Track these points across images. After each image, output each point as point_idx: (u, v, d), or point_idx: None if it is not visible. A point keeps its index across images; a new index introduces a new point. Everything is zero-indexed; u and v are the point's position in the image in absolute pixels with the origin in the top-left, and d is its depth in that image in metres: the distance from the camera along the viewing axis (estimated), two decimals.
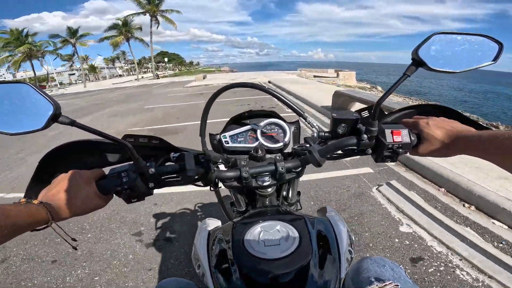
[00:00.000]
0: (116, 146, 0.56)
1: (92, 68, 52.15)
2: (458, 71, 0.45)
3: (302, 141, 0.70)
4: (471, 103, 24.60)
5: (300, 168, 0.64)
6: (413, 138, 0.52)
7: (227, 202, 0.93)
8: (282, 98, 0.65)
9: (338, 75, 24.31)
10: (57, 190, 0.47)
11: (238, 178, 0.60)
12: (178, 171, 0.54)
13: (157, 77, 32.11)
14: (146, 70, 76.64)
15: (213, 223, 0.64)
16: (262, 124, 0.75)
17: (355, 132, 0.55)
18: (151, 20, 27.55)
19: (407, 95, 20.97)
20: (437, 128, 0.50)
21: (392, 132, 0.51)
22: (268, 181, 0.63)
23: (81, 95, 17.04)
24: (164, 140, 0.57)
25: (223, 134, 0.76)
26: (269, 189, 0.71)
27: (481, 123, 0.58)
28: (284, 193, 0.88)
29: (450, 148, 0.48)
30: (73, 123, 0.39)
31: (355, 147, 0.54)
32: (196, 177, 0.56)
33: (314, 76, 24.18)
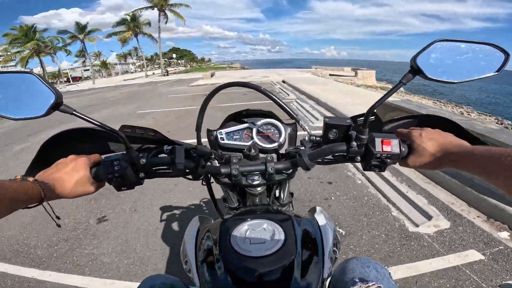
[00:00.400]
0: (113, 136, 0.55)
1: (104, 64, 52.17)
2: (456, 81, 0.44)
3: (298, 143, 0.68)
4: (494, 105, 22.39)
5: (291, 170, 0.63)
6: (403, 149, 0.52)
7: (220, 198, 0.91)
8: (276, 99, 0.62)
9: (356, 74, 22.63)
10: (52, 172, 0.51)
11: (228, 175, 0.61)
12: (168, 164, 0.56)
13: (167, 73, 31.16)
14: (158, 66, 76.64)
15: (204, 220, 0.67)
16: (258, 123, 0.75)
17: (346, 138, 0.54)
18: (159, 15, 26.63)
19: (427, 95, 19.16)
20: (429, 140, 0.49)
21: (382, 142, 0.51)
22: (257, 180, 0.63)
23: (85, 93, 16.30)
24: (159, 132, 0.59)
25: (219, 131, 0.76)
26: (259, 188, 0.73)
27: (481, 139, 0.57)
28: (276, 193, 0.88)
29: (440, 161, 0.48)
30: (72, 112, 0.43)
31: (345, 154, 0.54)
32: (186, 170, 0.57)
33: (330, 75, 22.64)
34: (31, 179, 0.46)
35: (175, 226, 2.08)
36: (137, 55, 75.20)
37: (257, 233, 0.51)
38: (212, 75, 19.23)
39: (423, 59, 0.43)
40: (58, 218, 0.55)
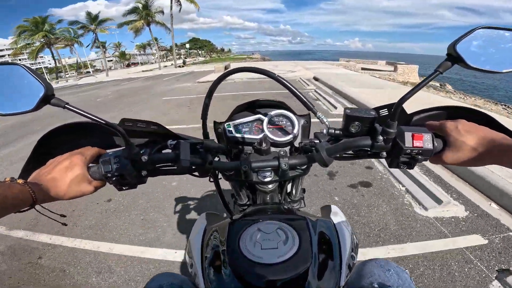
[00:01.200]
0: (112, 131, 0.52)
1: (122, 55, 51.57)
2: (502, 71, 0.40)
3: (312, 136, 0.62)
4: None
5: (305, 166, 0.59)
6: (436, 144, 0.47)
7: (228, 194, 0.86)
8: (291, 87, 0.57)
9: (395, 68, 19.02)
10: (46, 171, 0.47)
11: (237, 172, 0.57)
12: (172, 160, 0.52)
13: (184, 64, 29.15)
14: (178, 56, 75.81)
15: (211, 218, 0.63)
16: (269, 115, 0.68)
17: (370, 132, 0.49)
18: (171, 1, 24.32)
19: (460, 91, 15.51)
20: (467, 133, 0.44)
21: (412, 136, 0.46)
22: (269, 177, 0.58)
23: (83, 88, 14.54)
24: (163, 125, 0.55)
25: (227, 123, 0.69)
26: (270, 185, 0.67)
27: None
28: (288, 189, 0.81)
29: (481, 156, 0.43)
30: (64, 106, 0.40)
31: (368, 149, 0.49)
32: (192, 167, 0.54)
33: (362, 69, 19.27)
34: (20, 181, 0.42)
35: None
36: (156, 45, 75.15)
37: (269, 236, 0.46)
38: (226, 68, 16.30)
39: (463, 46, 0.39)
40: (63, 216, 0.53)
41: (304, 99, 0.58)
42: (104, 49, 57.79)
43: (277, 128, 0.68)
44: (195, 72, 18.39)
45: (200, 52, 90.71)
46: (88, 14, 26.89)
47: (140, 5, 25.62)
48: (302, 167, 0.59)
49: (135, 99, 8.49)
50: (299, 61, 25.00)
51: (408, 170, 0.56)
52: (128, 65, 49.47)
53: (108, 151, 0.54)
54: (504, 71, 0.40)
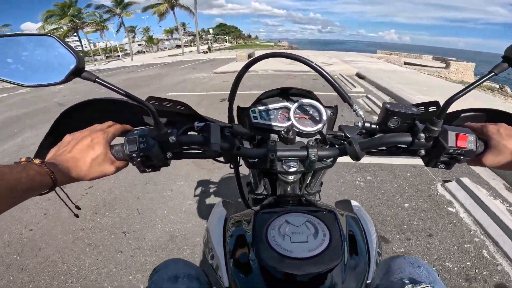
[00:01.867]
0: (139, 109, 0.50)
1: (150, 39, 51.70)
2: None
3: (336, 129, 0.65)
4: None
5: (333, 158, 0.57)
6: (478, 146, 0.46)
7: (244, 182, 0.86)
8: (329, 77, 0.55)
9: (448, 65, 16.20)
10: (65, 149, 0.43)
11: (262, 159, 0.55)
12: (201, 143, 0.50)
13: (209, 50, 27.95)
14: (206, 42, 75.01)
15: (229, 205, 0.61)
16: (297, 103, 0.65)
17: (411, 128, 0.47)
18: None
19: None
20: (510, 137, 0.44)
21: (457, 136, 0.45)
22: (295, 167, 0.56)
23: (102, 73, 13.81)
24: (189, 106, 0.54)
25: (252, 109, 0.67)
26: (293, 176, 0.64)
27: None
28: (307, 181, 0.78)
29: None
30: (95, 79, 0.38)
31: (405, 146, 0.48)
32: (220, 151, 0.51)
33: (406, 64, 16.70)
34: (37, 161, 0.39)
35: None
36: (184, 29, 74.81)
37: (298, 229, 0.44)
38: (250, 56, 14.59)
39: None
40: (78, 208, 0.50)
41: (341, 89, 0.55)
42: (134, 34, 58.70)
43: (304, 118, 0.66)
44: (216, 59, 17.00)
45: (226, 38, 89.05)
46: None
47: None
48: (330, 159, 0.57)
49: (138, 92, 7.34)
50: (331, 51, 22.49)
51: (445, 169, 0.50)
52: (157, 50, 49.63)
53: (134, 128, 0.52)
54: None
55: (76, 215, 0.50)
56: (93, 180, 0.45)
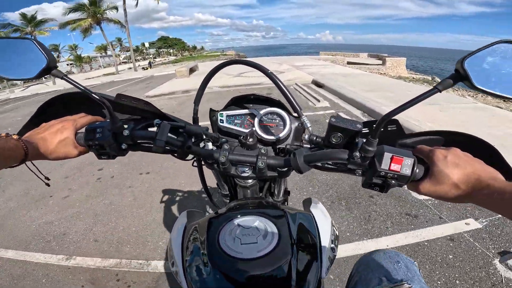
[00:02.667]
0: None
1: (79, 59, 45.64)
2: (510, 96, 0.35)
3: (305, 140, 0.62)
4: None
5: (286, 169, 0.56)
6: (417, 171, 0.43)
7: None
8: (281, 85, 0.57)
9: (384, 62, 17.11)
10: (39, 131, 0.51)
11: (216, 161, 0.56)
12: (151, 138, 0.53)
13: (149, 66, 25.21)
14: (146, 56, 70.04)
15: (192, 216, 0.62)
16: (262, 111, 0.67)
17: (350, 146, 0.47)
18: None
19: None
20: (455, 166, 0.40)
21: (391, 158, 0.43)
22: (247, 172, 0.57)
23: None
24: (152, 105, 0.57)
25: (220, 112, 0.70)
26: (249, 181, 0.68)
27: None
28: (271, 189, 0.83)
29: (461, 195, 0.39)
30: (63, 77, 0.45)
31: (346, 163, 0.47)
32: (167, 147, 0.55)
33: (348, 63, 17.17)
34: (15, 136, 0.45)
35: None
36: (121, 45, 68.80)
37: (248, 231, 0.47)
38: (192, 71, 12.82)
39: (474, 62, 0.35)
40: (47, 179, 0.57)
41: (293, 100, 0.57)
42: (58, 53, 51.37)
43: (269, 126, 0.67)
44: (154, 77, 14.99)
45: (171, 51, 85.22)
46: (23, 15, 22.20)
47: (87, 1, 21.30)
48: (282, 169, 0.57)
49: None
50: (277, 56, 22.30)
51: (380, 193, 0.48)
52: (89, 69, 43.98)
53: (95, 122, 0.56)
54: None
55: (47, 184, 0.58)
56: (58, 159, 0.52)
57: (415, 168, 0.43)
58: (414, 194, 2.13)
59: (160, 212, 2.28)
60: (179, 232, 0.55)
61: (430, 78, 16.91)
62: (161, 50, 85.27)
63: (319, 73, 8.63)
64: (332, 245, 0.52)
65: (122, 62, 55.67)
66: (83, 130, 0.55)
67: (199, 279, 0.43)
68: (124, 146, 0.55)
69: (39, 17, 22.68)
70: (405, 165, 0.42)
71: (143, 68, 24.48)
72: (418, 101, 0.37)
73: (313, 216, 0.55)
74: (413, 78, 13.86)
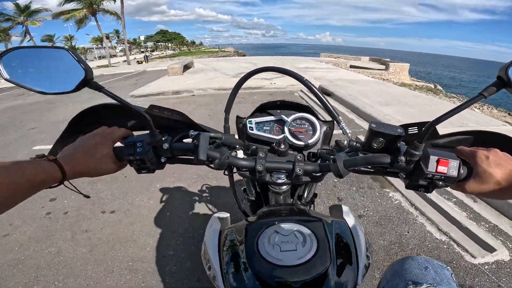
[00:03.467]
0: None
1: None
2: None
3: (333, 143, 0.62)
4: None
5: (320, 174, 0.57)
6: (462, 172, 0.45)
7: (240, 187, 0.90)
8: (316, 91, 0.58)
9: (387, 67, 16.56)
10: (74, 148, 0.48)
11: (252, 170, 0.56)
12: (191, 151, 0.53)
13: (145, 60, 24.19)
14: (145, 49, 68.44)
15: (223, 219, 0.63)
16: (292, 117, 0.68)
17: (393, 150, 0.47)
18: None
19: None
20: (498, 166, 0.42)
21: (438, 161, 0.44)
22: (283, 179, 0.57)
23: None
24: (186, 115, 0.57)
25: (249, 120, 0.70)
26: (284, 187, 0.70)
27: None
28: (299, 192, 0.83)
29: (505, 191, 0.42)
30: (101, 89, 0.43)
31: (387, 166, 0.47)
32: (209, 160, 0.54)
33: (351, 66, 16.55)
34: (51, 157, 0.44)
35: None
36: (118, 37, 67.17)
37: (287, 238, 0.47)
38: (187, 67, 11.81)
39: None
40: (87, 197, 0.56)
41: (329, 106, 0.57)
42: (52, 43, 49.81)
43: (298, 131, 0.67)
44: (147, 72, 14.10)
45: (169, 45, 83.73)
46: (16, 5, 21.13)
47: None
48: (316, 174, 0.57)
49: None
50: (277, 56, 21.57)
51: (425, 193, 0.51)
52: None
53: (135, 134, 0.56)
54: None
55: (87, 196, 0.56)
56: (97, 176, 0.50)
57: (460, 170, 0.44)
58: (468, 258, 1.66)
59: (126, 275, 1.59)
60: (214, 236, 0.55)
61: (433, 86, 16.42)
62: (159, 43, 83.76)
63: (325, 78, 7.90)
64: (367, 253, 0.51)
65: (119, 55, 54.16)
66: (118, 143, 0.54)
67: (239, 285, 0.43)
68: (163, 160, 0.54)
69: (38, 6, 21.67)
70: (452, 167, 0.43)
71: (138, 61, 23.48)
72: (464, 108, 0.38)
73: (347, 224, 0.55)
74: (416, 85, 13.37)
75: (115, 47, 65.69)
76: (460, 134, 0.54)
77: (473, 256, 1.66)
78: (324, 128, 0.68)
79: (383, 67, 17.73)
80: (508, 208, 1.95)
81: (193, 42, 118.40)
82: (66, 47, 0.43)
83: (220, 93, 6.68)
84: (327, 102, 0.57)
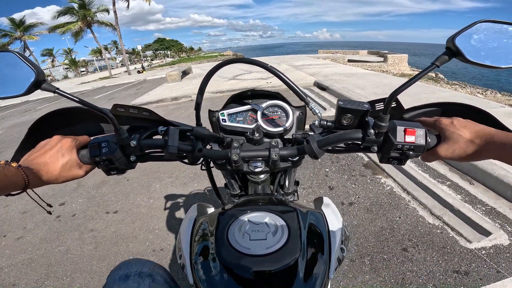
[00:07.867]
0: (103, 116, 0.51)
1: (73, 63, 44.99)
2: (502, 66, 0.39)
3: (307, 128, 0.62)
4: None
5: (297, 158, 0.57)
6: (429, 140, 0.46)
7: (222, 183, 0.89)
8: (284, 77, 0.59)
9: (386, 59, 16.48)
10: (38, 155, 0.46)
11: (228, 160, 0.55)
12: (161, 146, 0.51)
13: (142, 69, 24.50)
14: (145, 59, 69.22)
15: (202, 210, 0.62)
16: (264, 105, 0.68)
17: (362, 125, 0.49)
18: None
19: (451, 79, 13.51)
20: (464, 128, 0.43)
21: (405, 131, 0.45)
22: (260, 167, 0.57)
23: None
24: (154, 112, 0.55)
25: (221, 112, 0.70)
26: (262, 176, 0.69)
27: None
28: (281, 181, 0.83)
29: (480, 151, 0.42)
30: (55, 90, 0.41)
31: (360, 142, 0.49)
32: (180, 154, 0.53)
33: (349, 61, 16.53)
34: (14, 164, 0.42)
35: None
36: (117, 48, 68.11)
37: (258, 227, 0.46)
38: (185, 73, 11.95)
39: (462, 40, 0.39)
40: (49, 206, 0.53)
41: (298, 90, 0.58)
42: (53, 57, 50.69)
43: (272, 119, 0.67)
44: (147, 81, 14.28)
45: (168, 52, 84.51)
46: (11, 20, 21.62)
47: (75, 5, 20.55)
48: (293, 159, 0.57)
49: None
50: (275, 56, 21.66)
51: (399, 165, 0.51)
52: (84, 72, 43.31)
53: (97, 136, 0.54)
54: (504, 66, 0.39)
55: (49, 212, 0.54)
56: (63, 183, 0.48)
57: (428, 138, 0.45)
58: (462, 243, 1.64)
59: None
60: (189, 225, 0.54)
61: (434, 75, 16.30)
62: (158, 52, 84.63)
63: (321, 73, 7.88)
64: (342, 246, 0.51)
65: (119, 65, 54.88)
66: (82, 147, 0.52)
67: (206, 274, 0.43)
68: (133, 158, 0.52)
69: (33, 21, 22.13)
70: (419, 136, 0.45)
71: (138, 71, 23.80)
72: (419, 77, 0.40)
73: (324, 215, 0.54)
74: (405, 74, 13.26)
75: (115, 58, 66.61)
76: (424, 107, 0.56)
77: (468, 241, 1.62)
78: (297, 113, 0.69)
79: (381, 59, 17.66)
80: (506, 189, 1.89)
81: (192, 48, 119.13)
82: (13, 49, 0.44)
83: (217, 96, 6.81)
84: (293, 85, 0.57)
